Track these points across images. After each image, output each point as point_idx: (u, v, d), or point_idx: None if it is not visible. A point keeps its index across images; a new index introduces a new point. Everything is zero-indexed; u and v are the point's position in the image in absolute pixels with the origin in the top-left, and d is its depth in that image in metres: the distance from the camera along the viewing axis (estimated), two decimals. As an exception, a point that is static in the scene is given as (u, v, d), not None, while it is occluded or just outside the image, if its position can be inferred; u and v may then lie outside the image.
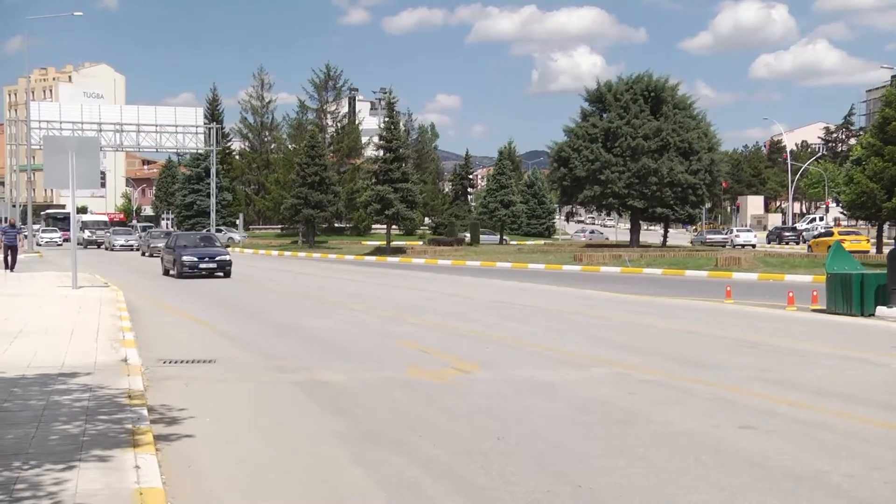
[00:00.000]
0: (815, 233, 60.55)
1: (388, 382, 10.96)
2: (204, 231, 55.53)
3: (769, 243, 69.30)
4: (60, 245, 69.71)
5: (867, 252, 45.75)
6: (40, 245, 67.02)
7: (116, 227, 68.84)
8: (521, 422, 8.78)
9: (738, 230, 72.24)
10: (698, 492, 6.50)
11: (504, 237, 78.30)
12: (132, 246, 61.42)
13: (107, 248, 63.99)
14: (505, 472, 6.98)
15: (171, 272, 31.35)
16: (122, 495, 5.92)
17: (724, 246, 62.69)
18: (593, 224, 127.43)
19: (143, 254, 52.96)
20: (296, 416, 9.21)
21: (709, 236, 70.40)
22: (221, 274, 30.70)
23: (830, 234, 52.92)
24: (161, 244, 47.82)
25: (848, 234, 52.91)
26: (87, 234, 71.50)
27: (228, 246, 35.67)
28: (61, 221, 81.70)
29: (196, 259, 30.49)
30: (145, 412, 8.48)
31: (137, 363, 11.44)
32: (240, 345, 14.54)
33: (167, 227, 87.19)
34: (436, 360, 12.64)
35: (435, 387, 10.72)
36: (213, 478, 6.96)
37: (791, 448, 7.70)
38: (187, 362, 12.51)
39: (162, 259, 33.09)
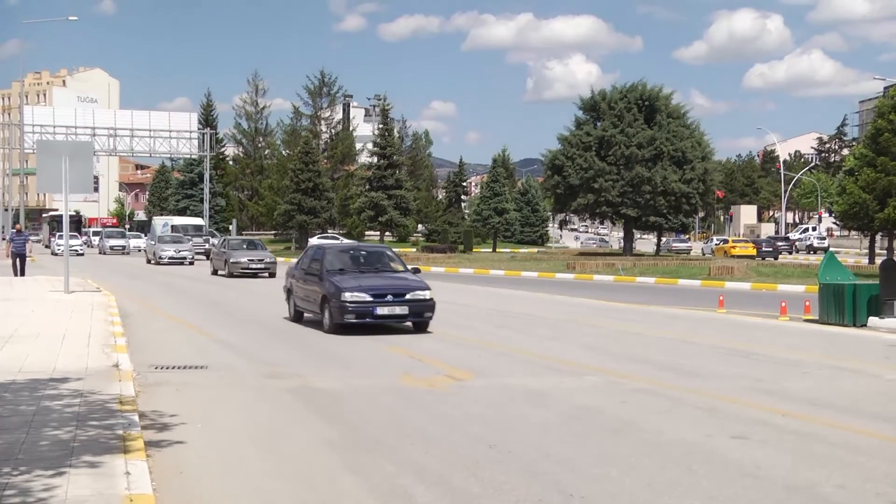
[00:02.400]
0: (715, 242, 71.49)
1: (381, 390, 10.94)
2: (368, 243, 37.18)
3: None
4: (82, 254, 57.99)
5: (753, 257, 55.01)
6: (56, 254, 56.19)
7: (161, 234, 54.68)
8: (513, 430, 8.77)
9: (717, 239, 75.75)
10: (690, 501, 6.49)
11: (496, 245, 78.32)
12: (185, 258, 46.92)
13: (149, 261, 48.38)
14: (497, 481, 6.97)
15: (312, 315, 17.87)
16: (112, 502, 5.89)
17: (688, 253, 67.77)
18: (586, 232, 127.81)
19: (216, 272, 36.84)
20: (288, 422, 9.19)
21: (674, 244, 74.21)
22: (410, 324, 17.06)
23: (726, 241, 66.23)
24: (246, 258, 35.46)
25: (738, 242, 64.73)
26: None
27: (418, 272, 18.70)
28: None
29: (369, 298, 16.30)
30: (136, 418, 8.44)
31: (129, 368, 11.40)
32: (232, 350, 14.50)
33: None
34: (428, 368, 12.63)
35: (428, 394, 10.71)
36: (204, 484, 6.94)
37: (783, 458, 7.70)
38: (179, 368, 12.47)
39: (290, 293, 19.21)
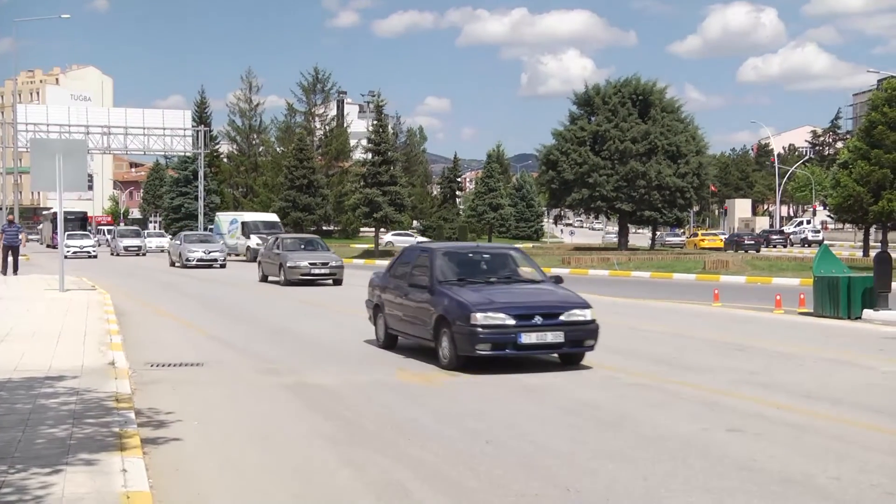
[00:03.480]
0: (688, 235, 76.83)
1: (376, 385, 10.95)
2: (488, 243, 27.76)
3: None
4: (94, 256, 51.80)
5: (721, 249, 59.53)
6: (66, 256, 47.95)
7: (188, 233, 47.68)
8: (509, 424, 8.78)
9: (714, 233, 78.32)
10: (686, 494, 6.51)
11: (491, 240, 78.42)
12: (216, 260, 40.73)
13: (173, 263, 42.25)
14: (493, 475, 6.98)
15: (414, 341, 13.64)
16: (109, 499, 5.89)
17: (682, 247, 69.35)
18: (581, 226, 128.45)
19: (265, 278, 30.88)
20: (284, 418, 9.20)
21: (667, 238, 75.59)
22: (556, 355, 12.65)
23: (696, 234, 71.88)
24: (306, 262, 29.06)
25: (707, 234, 70.28)
26: (254, 241, 48.62)
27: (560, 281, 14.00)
28: (71, 222, 65.41)
29: (511, 321, 11.78)
30: (132, 415, 8.44)
31: (125, 366, 11.39)
32: (228, 347, 14.50)
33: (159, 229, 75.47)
34: (424, 364, 12.63)
35: (424, 389, 10.72)
36: (201, 481, 6.94)
37: (779, 451, 7.72)
38: (175, 365, 12.47)
39: (379, 310, 14.53)
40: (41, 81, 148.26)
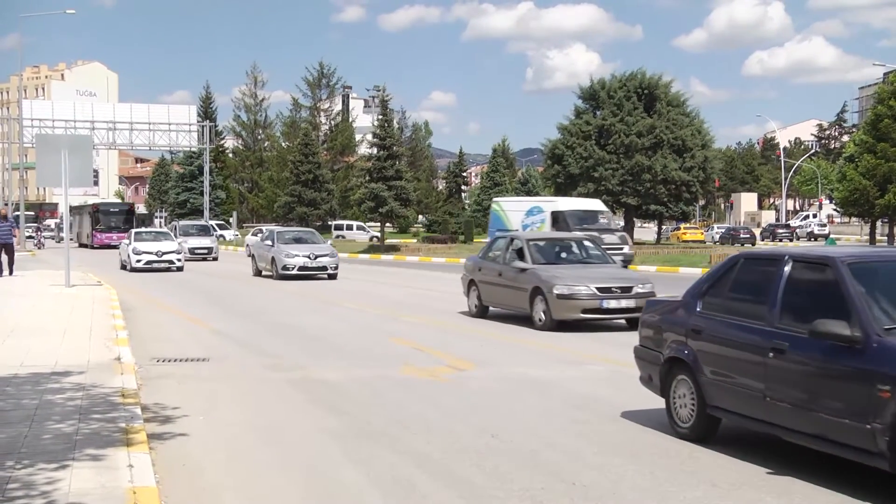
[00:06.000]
0: (672, 228, 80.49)
1: (382, 380, 10.95)
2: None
3: (763, 240, 69.70)
4: (180, 268, 33.78)
5: (702, 242, 62.64)
6: (134, 269, 33.12)
7: (281, 230, 34.08)
8: (515, 419, 8.77)
9: (718, 227, 78.78)
10: (692, 489, 6.50)
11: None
12: (325, 268, 29.23)
13: (259, 272, 30.88)
14: (499, 470, 6.98)
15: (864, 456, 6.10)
16: (115, 494, 5.90)
17: (666, 239, 71.43)
18: None
19: (485, 311, 18.15)
20: (290, 414, 9.20)
21: (671, 232, 77.19)
22: None
23: (679, 227, 76.15)
24: (591, 286, 15.53)
25: (689, 228, 73.97)
26: None
27: None
28: (115, 216, 60.96)
29: None
30: (139, 411, 8.45)
31: (131, 361, 11.41)
32: (234, 343, 14.51)
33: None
34: (430, 358, 12.63)
35: (429, 384, 10.71)
36: (208, 476, 6.95)
37: (789, 447, 7.69)
38: (181, 361, 12.48)
39: (678, 383, 7.93)
40: (46, 77, 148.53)
